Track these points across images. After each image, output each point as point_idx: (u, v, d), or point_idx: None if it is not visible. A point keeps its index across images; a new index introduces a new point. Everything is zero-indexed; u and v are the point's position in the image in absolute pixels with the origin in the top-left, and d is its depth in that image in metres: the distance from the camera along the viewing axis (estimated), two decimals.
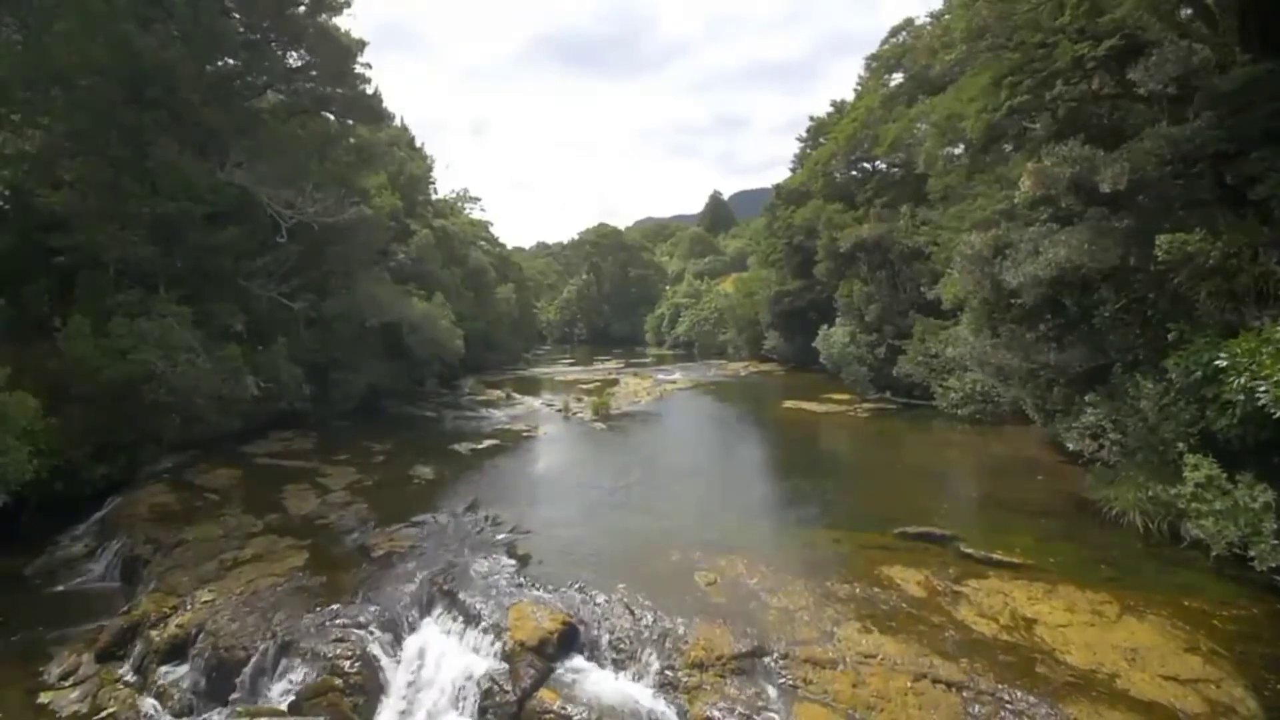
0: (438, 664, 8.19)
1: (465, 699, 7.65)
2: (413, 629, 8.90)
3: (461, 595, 9.18)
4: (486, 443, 19.52)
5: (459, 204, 51.36)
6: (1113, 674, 6.90)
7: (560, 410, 25.35)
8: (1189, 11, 11.90)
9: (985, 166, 16.48)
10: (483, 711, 7.44)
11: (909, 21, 30.21)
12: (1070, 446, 13.44)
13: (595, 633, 8.27)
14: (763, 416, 25.56)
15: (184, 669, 8.61)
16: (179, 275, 16.88)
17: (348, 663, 8.04)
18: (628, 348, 66.48)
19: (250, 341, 18.11)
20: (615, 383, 34.24)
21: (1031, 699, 6.51)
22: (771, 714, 6.75)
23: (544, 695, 7.38)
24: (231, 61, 19.98)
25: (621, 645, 8.02)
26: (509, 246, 61.07)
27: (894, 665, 7.13)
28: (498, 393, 30.14)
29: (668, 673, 7.47)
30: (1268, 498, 8.73)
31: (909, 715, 6.53)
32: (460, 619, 8.81)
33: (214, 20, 17.92)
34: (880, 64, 32.52)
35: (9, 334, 14.58)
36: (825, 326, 31.22)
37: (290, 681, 8.08)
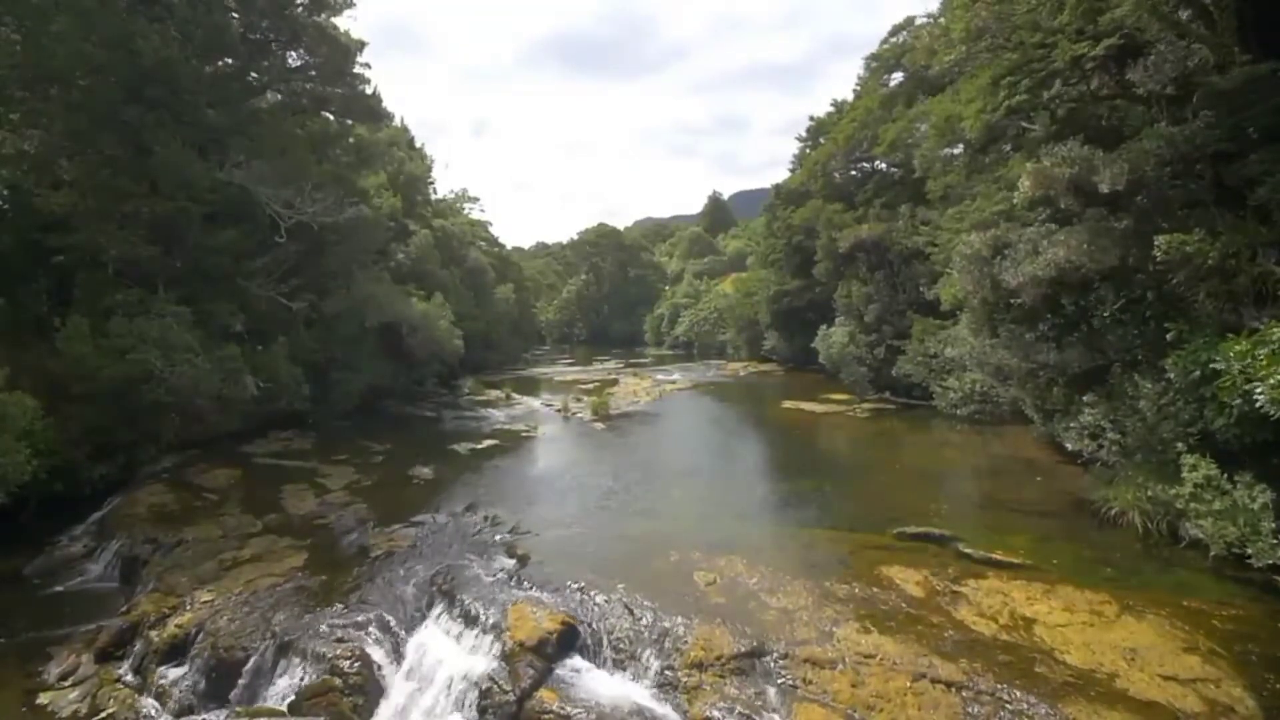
0: (437, 664, 8.18)
1: (464, 699, 7.64)
2: (412, 629, 8.89)
3: (461, 595, 9.18)
4: (486, 443, 19.52)
5: (458, 204, 51.33)
6: (1112, 674, 6.90)
7: (559, 410, 25.34)
8: (1188, 12, 11.88)
9: (984, 167, 16.50)
10: (482, 712, 7.43)
11: (909, 21, 30.18)
12: (1069, 446, 13.45)
13: (595, 633, 8.26)
14: (762, 417, 25.55)
15: (183, 669, 8.60)
16: (178, 275, 16.88)
17: (347, 663, 8.03)
18: (627, 348, 66.49)
19: (250, 341, 18.11)
20: (614, 383, 34.23)
21: (1031, 699, 6.52)
22: (771, 714, 6.75)
23: (543, 695, 7.37)
24: (231, 61, 20.00)
25: (621, 645, 8.02)
26: (509, 246, 61.15)
27: (893, 665, 7.13)
28: (497, 393, 30.11)
29: (667, 673, 7.47)
30: (1266, 498, 8.75)
31: (908, 715, 6.54)
32: (459, 619, 8.81)
33: (214, 19, 17.94)
34: (880, 64, 32.52)
35: (8, 334, 14.56)
36: (824, 327, 31.25)
37: (289, 682, 8.07)
